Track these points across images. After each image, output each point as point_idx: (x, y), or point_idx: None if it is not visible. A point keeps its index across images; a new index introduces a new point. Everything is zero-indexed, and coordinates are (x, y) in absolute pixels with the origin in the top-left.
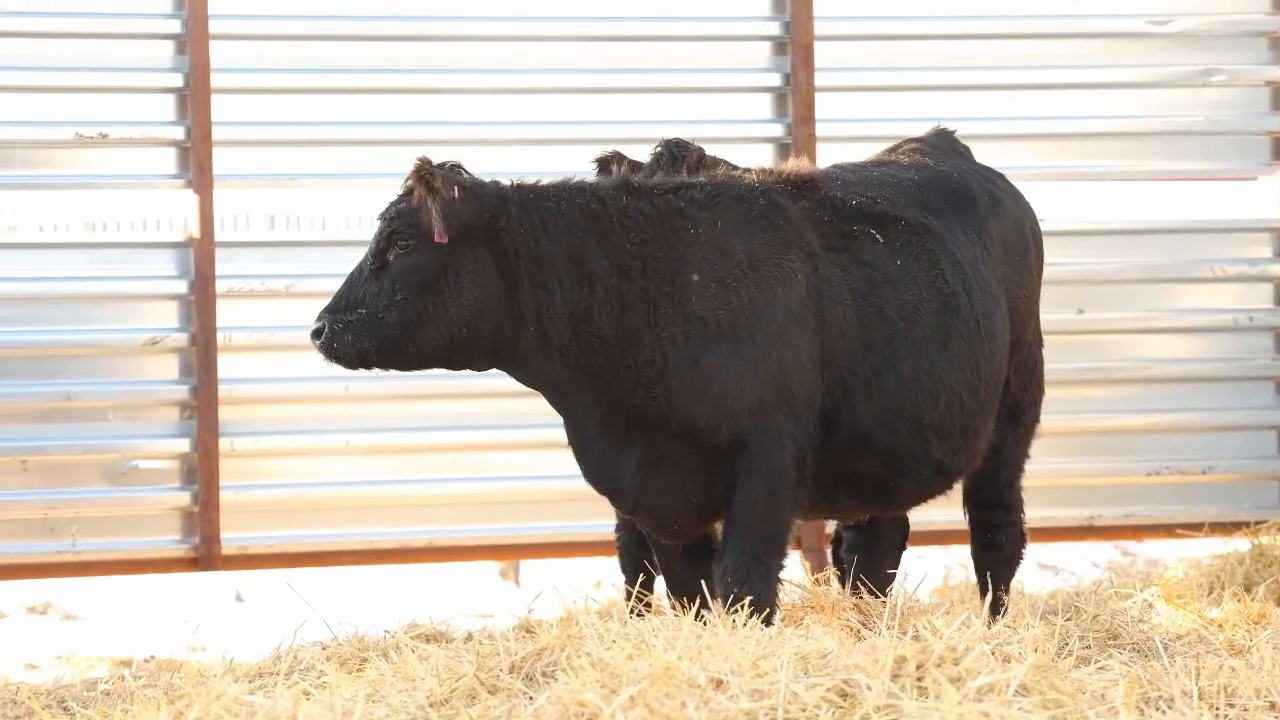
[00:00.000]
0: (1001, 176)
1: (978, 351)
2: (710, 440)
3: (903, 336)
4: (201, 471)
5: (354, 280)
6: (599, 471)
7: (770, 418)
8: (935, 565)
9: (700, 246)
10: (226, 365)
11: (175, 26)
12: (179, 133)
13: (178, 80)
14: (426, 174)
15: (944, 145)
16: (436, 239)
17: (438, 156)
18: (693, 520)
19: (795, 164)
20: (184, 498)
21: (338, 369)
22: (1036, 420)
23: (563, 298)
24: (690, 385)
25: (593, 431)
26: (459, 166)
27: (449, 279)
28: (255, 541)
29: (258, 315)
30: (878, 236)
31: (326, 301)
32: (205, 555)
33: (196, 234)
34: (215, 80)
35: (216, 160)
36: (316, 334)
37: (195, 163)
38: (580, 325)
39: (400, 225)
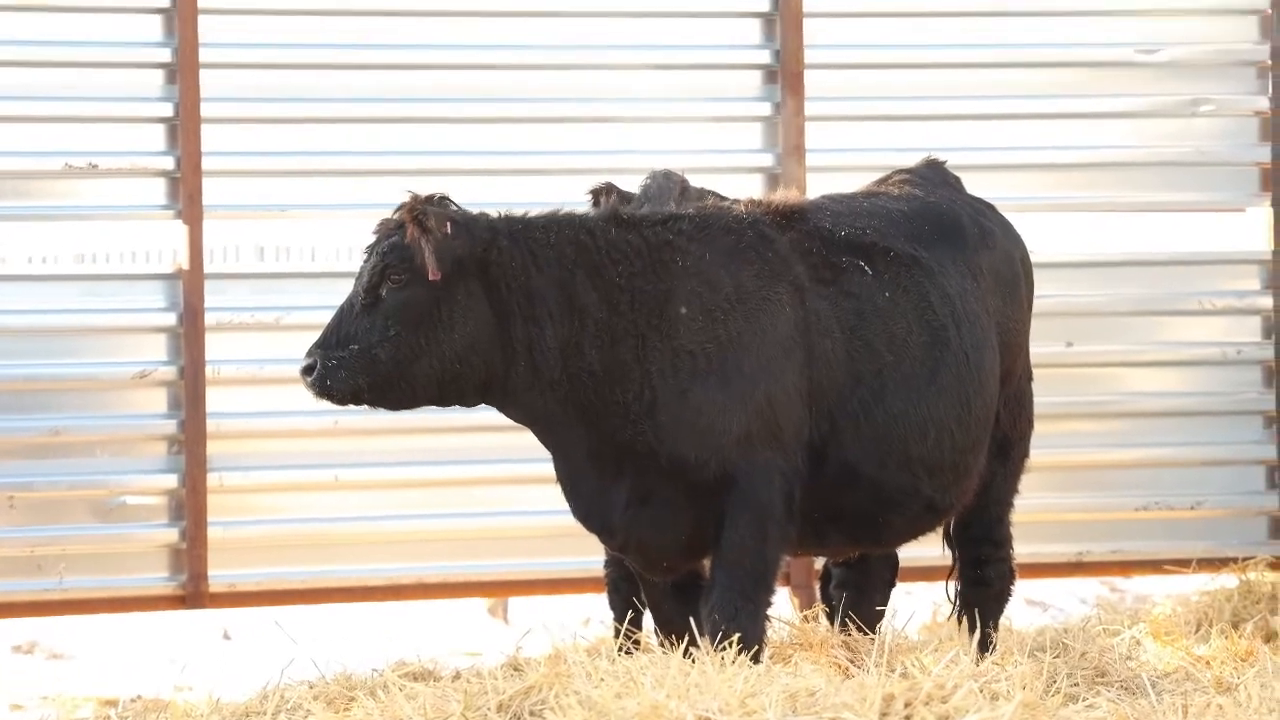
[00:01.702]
0: (992, 208)
1: (967, 386)
2: (699, 475)
3: (891, 370)
4: (190, 507)
5: (344, 315)
6: (588, 508)
7: (758, 452)
8: (924, 602)
9: (688, 279)
10: (215, 399)
11: (165, 56)
12: (169, 163)
13: (167, 110)
14: (420, 212)
15: (934, 176)
16: (430, 277)
17: (428, 187)
18: (682, 556)
19: (784, 195)
20: (172, 534)
21: (327, 405)
22: (1026, 455)
23: (554, 332)
24: (678, 419)
25: (582, 468)
26: (447, 198)
27: (442, 314)
28: (243, 578)
29: (247, 348)
30: (866, 268)
31: (317, 335)
32: (193, 593)
33: (186, 265)
34: (205, 110)
35: (206, 191)
36: (307, 370)
37: (185, 193)
38: (571, 360)
39: (392, 260)
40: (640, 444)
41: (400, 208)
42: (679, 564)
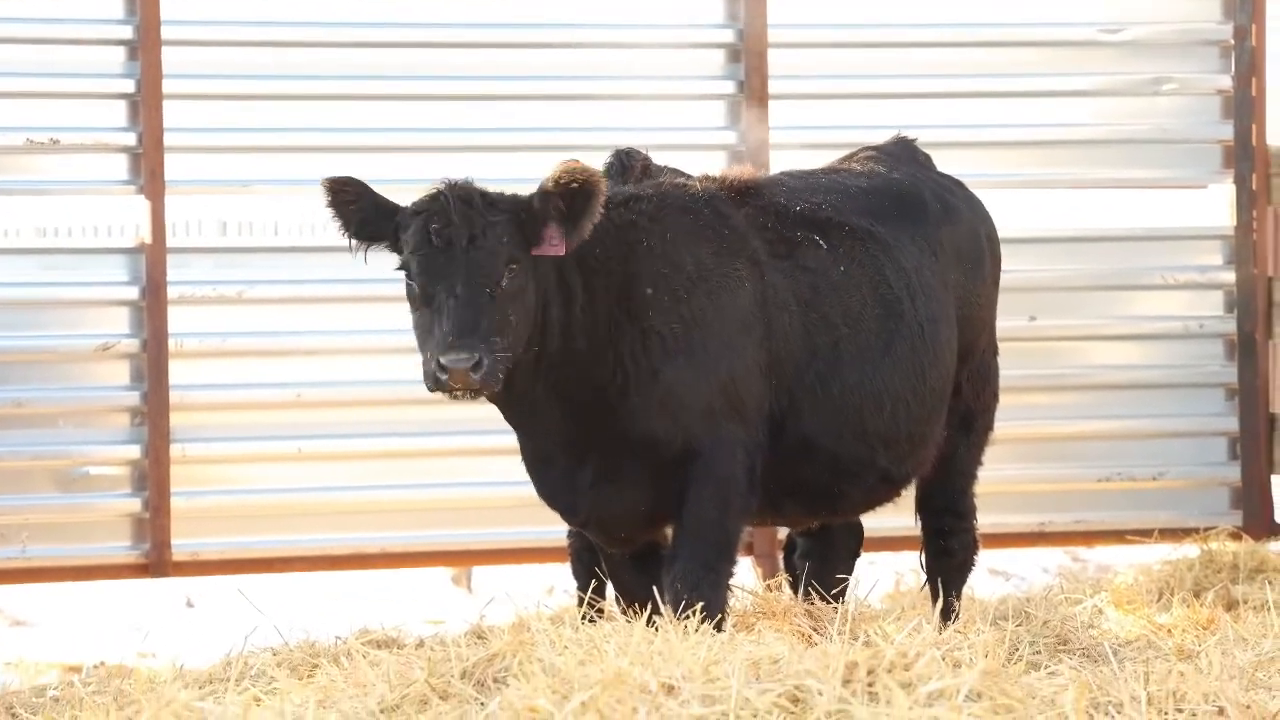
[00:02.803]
0: (959, 184)
1: (922, 358)
2: (666, 452)
3: (847, 343)
4: (152, 478)
5: (478, 306)
6: (554, 489)
7: (722, 427)
8: (887, 571)
9: (653, 260)
10: (178, 371)
11: (127, 32)
12: (131, 138)
13: (129, 86)
14: (595, 174)
15: (902, 153)
16: (566, 251)
17: (390, 163)
18: (641, 528)
19: (739, 170)
20: (135, 504)
21: (290, 377)
22: (989, 428)
23: (557, 315)
24: (650, 399)
25: (550, 450)
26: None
27: (531, 296)
28: (206, 548)
29: (210, 321)
30: (821, 242)
31: (279, 307)
32: (156, 561)
33: (148, 240)
34: (167, 86)
35: (168, 166)
36: (476, 366)
37: (147, 168)
38: (568, 341)
39: (512, 251)
40: (613, 424)
41: (565, 171)
42: (638, 536)
